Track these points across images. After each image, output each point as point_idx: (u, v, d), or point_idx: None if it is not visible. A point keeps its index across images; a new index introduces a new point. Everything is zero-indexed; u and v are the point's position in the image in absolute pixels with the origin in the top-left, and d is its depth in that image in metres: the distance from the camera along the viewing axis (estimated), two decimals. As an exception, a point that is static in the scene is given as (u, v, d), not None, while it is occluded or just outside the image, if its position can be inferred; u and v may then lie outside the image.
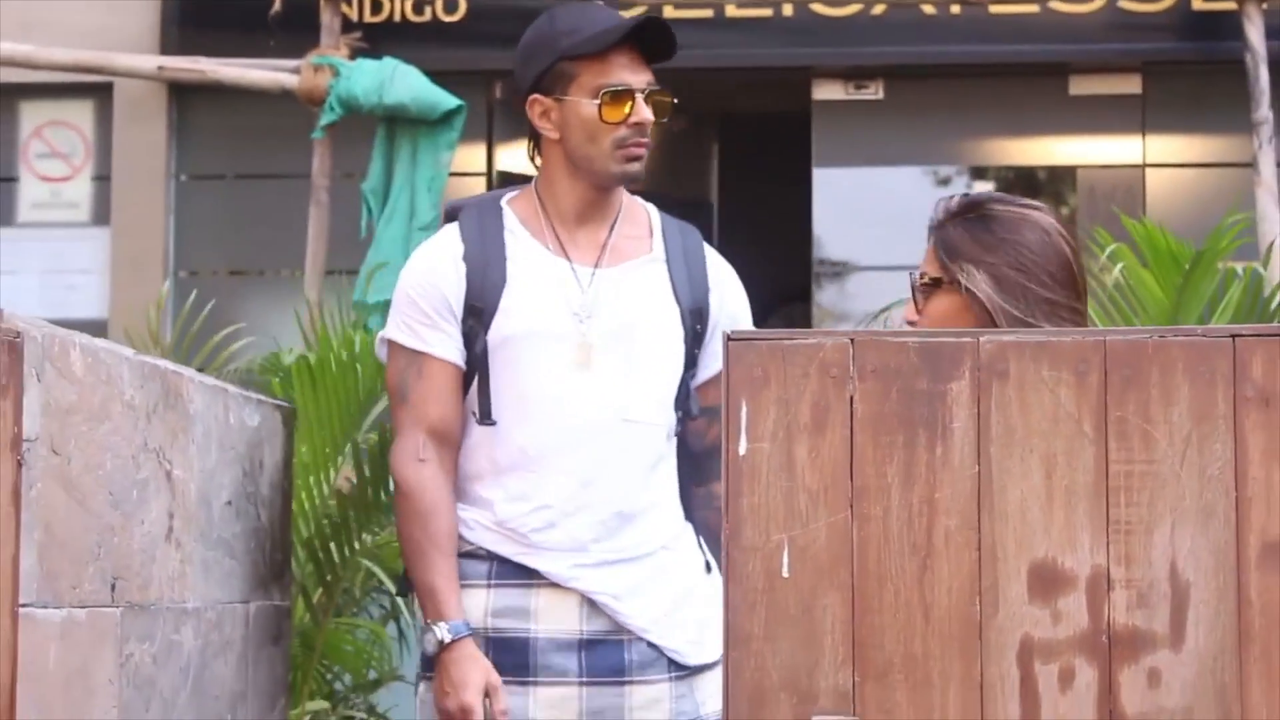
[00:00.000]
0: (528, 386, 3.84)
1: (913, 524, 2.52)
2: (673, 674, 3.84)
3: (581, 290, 3.88)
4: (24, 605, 2.85)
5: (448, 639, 3.79)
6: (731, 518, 2.53)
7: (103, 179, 9.64)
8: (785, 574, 2.52)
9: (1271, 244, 6.71)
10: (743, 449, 2.52)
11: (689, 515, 3.96)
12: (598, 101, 3.86)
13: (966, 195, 3.34)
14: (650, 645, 3.83)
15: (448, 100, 7.33)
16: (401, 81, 7.36)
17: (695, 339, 3.92)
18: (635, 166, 3.91)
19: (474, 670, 3.78)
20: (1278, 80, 7.70)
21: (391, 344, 3.93)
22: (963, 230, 3.21)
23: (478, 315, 3.86)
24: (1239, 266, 6.27)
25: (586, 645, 3.82)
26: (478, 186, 9.22)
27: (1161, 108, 9.34)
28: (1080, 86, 9.47)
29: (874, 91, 9.49)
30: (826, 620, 2.51)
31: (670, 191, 9.75)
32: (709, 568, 3.94)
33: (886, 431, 2.52)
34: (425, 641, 3.85)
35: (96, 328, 6.88)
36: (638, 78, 3.88)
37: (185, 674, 3.77)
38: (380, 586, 5.93)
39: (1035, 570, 2.51)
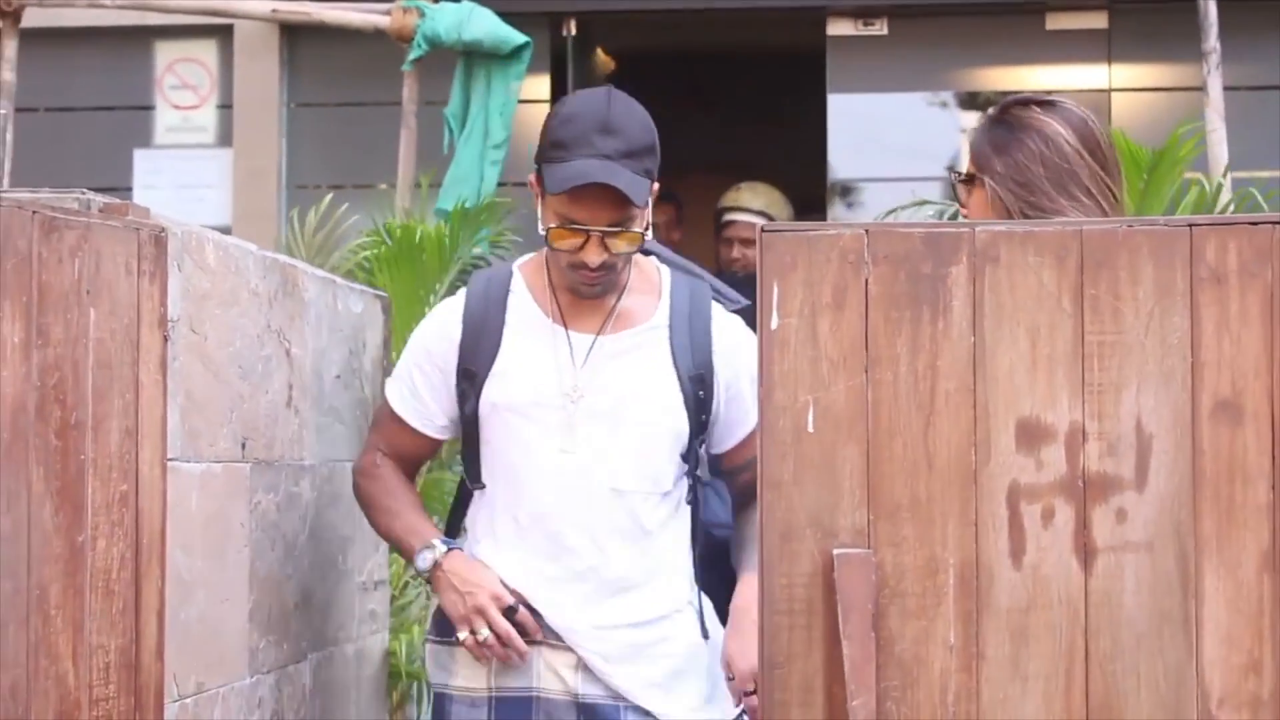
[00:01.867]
0: (515, 459, 3.33)
1: (918, 387, 2.52)
2: None
3: (575, 367, 3.31)
4: (171, 459, 2.88)
5: (443, 551, 3.36)
6: (765, 382, 2.53)
7: (225, 107, 9.61)
8: (810, 429, 2.52)
9: (1226, 167, 6.64)
10: (774, 323, 2.52)
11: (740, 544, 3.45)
12: (552, 225, 3.26)
13: (1007, 99, 3.19)
14: (647, 714, 3.32)
15: (516, 37, 7.29)
16: (477, 21, 7.31)
17: (699, 405, 3.34)
18: (589, 291, 3.31)
19: (482, 572, 3.33)
20: (1225, 14, 7.60)
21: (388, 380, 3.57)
22: (985, 134, 3.14)
23: (470, 379, 3.35)
24: (1200, 175, 6.24)
25: (584, 709, 3.31)
26: (542, 111, 9.19)
27: (1124, 40, 9.26)
28: (1055, 23, 9.38)
29: (880, 28, 9.40)
30: (845, 468, 2.52)
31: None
32: (706, 635, 3.41)
33: (896, 309, 2.52)
34: (420, 561, 3.38)
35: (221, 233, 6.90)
36: (599, 215, 3.21)
37: (304, 520, 3.81)
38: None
39: (1021, 425, 2.51)
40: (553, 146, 3.27)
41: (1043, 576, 2.49)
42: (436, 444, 3.53)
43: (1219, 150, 6.77)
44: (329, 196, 7.36)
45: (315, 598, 3.87)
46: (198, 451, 3.24)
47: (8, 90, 6.94)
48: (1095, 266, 2.51)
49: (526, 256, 3.50)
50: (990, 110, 3.20)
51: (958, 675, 2.49)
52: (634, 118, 3.30)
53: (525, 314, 3.37)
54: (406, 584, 5.40)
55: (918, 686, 2.49)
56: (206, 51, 9.66)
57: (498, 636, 3.29)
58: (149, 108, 9.73)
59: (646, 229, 3.28)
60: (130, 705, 2.69)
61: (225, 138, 9.62)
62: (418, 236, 6.10)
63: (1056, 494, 2.50)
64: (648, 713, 3.32)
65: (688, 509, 3.41)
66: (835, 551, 2.49)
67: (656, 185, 3.33)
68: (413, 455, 3.55)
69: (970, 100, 9.62)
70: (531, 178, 3.34)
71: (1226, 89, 7.08)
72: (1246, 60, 8.61)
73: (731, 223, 6.51)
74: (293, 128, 9.55)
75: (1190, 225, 2.52)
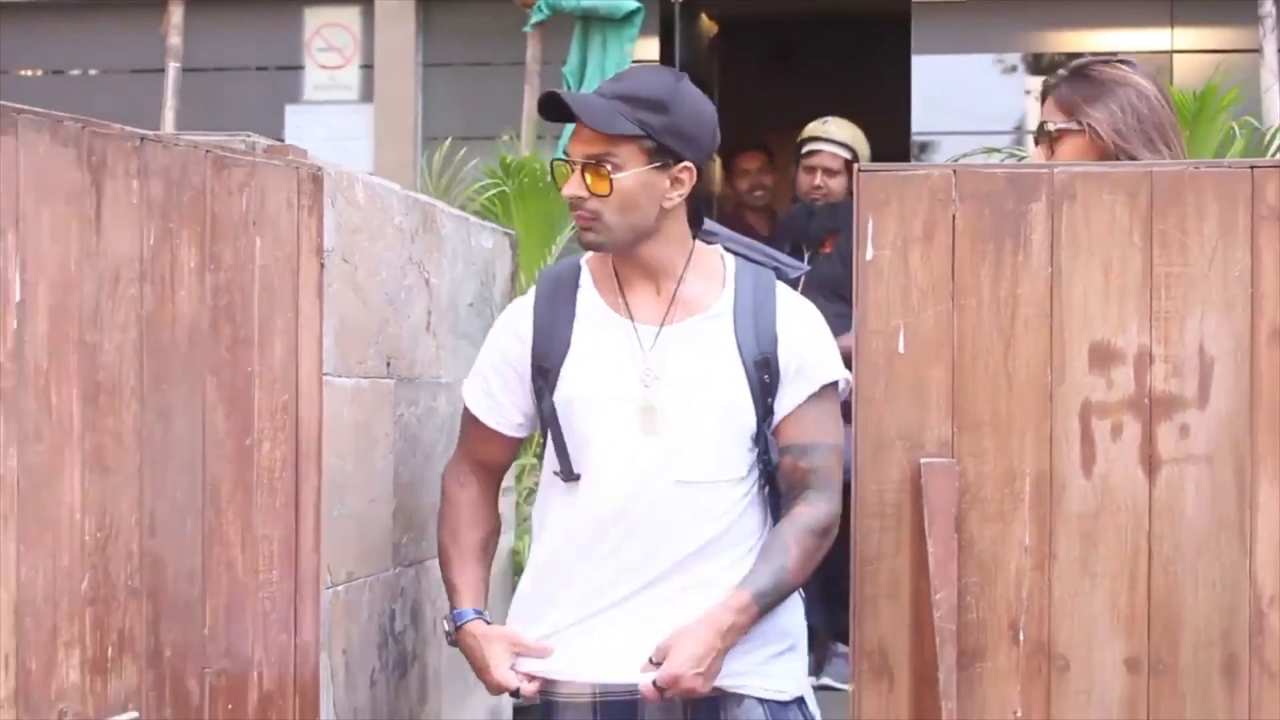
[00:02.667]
0: (592, 451, 2.99)
1: (1000, 313, 2.51)
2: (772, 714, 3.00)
3: (644, 352, 2.98)
4: (325, 374, 2.90)
5: (453, 629, 3.08)
6: (860, 307, 2.53)
7: (367, 67, 9.67)
8: (901, 350, 2.52)
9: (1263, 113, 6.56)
10: (869, 255, 2.52)
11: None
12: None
13: (1074, 61, 3.14)
14: (747, 697, 2.98)
15: (629, 3, 7.28)
16: (593, -12, 7.32)
17: (764, 389, 2.96)
18: (585, 237, 2.98)
19: (489, 647, 3.04)
20: (1280, -18, 7.49)
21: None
22: (1071, 87, 3.07)
23: (545, 375, 3.03)
24: (1248, 119, 6.15)
25: (691, 705, 2.96)
26: (652, 71, 9.19)
27: (1186, 5, 9.13)
28: (1123, -12, 9.27)
29: (961, -6, 9.33)
30: (932, 386, 2.52)
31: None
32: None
33: (980, 241, 2.51)
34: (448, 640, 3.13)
35: (365, 178, 6.95)
36: (579, 148, 2.93)
37: (441, 431, 3.83)
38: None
39: (1094, 348, 2.50)
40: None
41: (1111, 485, 2.48)
42: (515, 443, 3.19)
43: (1273, 108, 6.66)
44: (448, 141, 7.39)
45: (450, 502, 3.90)
46: (348, 368, 3.27)
47: (174, 52, 7.01)
48: (1164, 204, 2.49)
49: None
50: (1062, 70, 3.14)
51: (1032, 573, 2.49)
52: (653, 78, 2.99)
53: (592, 308, 3.04)
54: (530, 491, 5.44)
55: (995, 583, 2.50)
56: (350, 17, 9.72)
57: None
58: (299, 68, 9.81)
59: (633, 178, 2.91)
60: (291, 590, 2.73)
61: (367, 95, 9.68)
62: (548, 176, 6.11)
63: (1125, 411, 2.49)
64: (748, 696, 2.98)
65: (763, 495, 3.04)
66: (922, 461, 2.49)
67: (689, 165, 2.93)
68: (494, 460, 3.20)
69: (1038, 62, 9.53)
70: None
71: (1281, 50, 6.97)
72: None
73: (817, 151, 6.32)
74: (427, 85, 9.60)
75: (1252, 167, 2.49)
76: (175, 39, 7.00)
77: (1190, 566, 2.47)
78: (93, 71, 10.23)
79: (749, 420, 2.97)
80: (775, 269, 3.12)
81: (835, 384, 2.96)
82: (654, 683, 2.93)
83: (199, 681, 2.52)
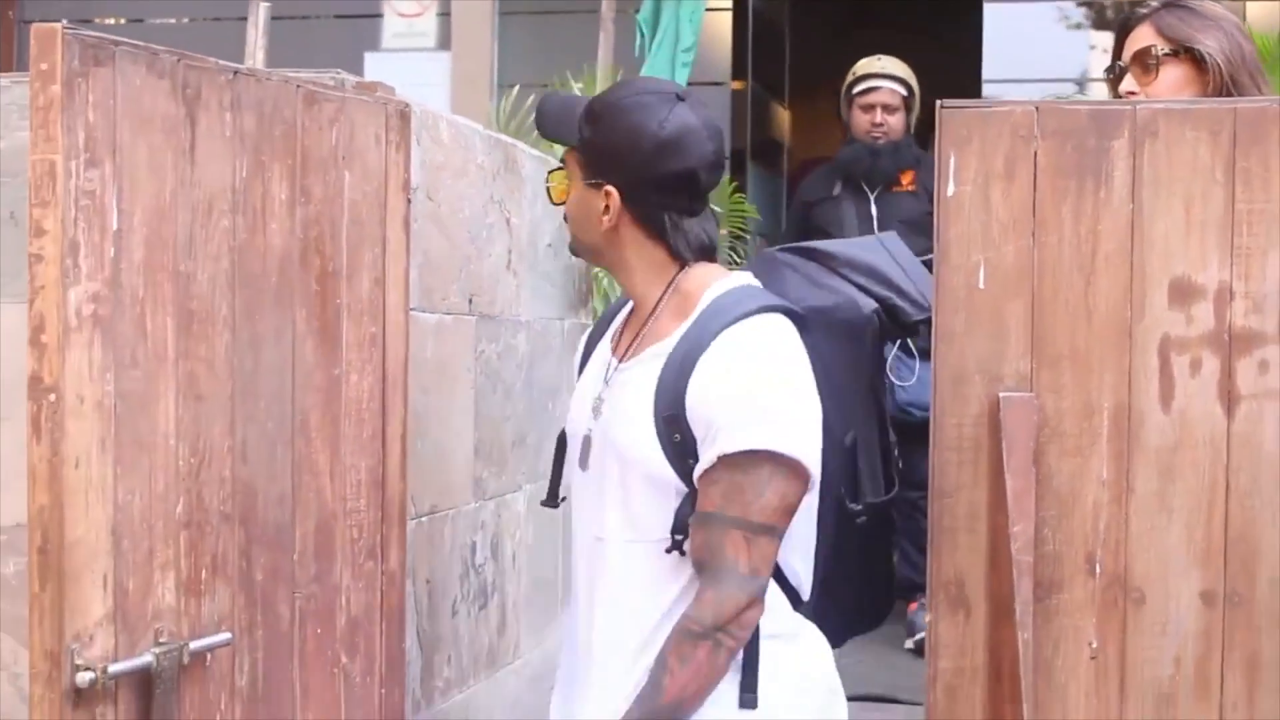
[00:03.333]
0: (569, 489, 2.66)
1: (1080, 249, 2.47)
2: None
3: (604, 387, 2.56)
4: (411, 309, 2.90)
5: None
6: (941, 243, 2.50)
7: (444, 15, 9.64)
8: (981, 286, 2.49)
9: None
10: (950, 190, 2.49)
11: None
12: None
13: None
14: None
15: (704, -48, 7.23)
16: (668, -64, 7.25)
17: (677, 448, 2.41)
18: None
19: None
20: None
21: None
22: (1179, 18, 2.99)
23: None
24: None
25: None
26: (724, 19, 9.13)
27: (1260, -49, 8.97)
28: (1194, -63, 9.09)
29: (1031, -59, 9.20)
30: (1011, 321, 2.49)
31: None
32: (751, 703, 2.44)
33: (1062, 178, 2.47)
34: None
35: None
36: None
37: (520, 368, 3.84)
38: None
39: (1174, 284, 2.46)
40: None
41: (1189, 420, 2.45)
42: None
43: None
44: (516, 88, 7.35)
45: (529, 437, 3.91)
46: (432, 304, 3.27)
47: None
48: (1247, 141, 2.44)
49: None
50: (1153, 2, 3.08)
51: (1109, 507, 2.46)
52: (617, 90, 2.54)
53: (606, 339, 2.68)
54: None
55: (1072, 516, 2.47)
56: (428, -35, 9.71)
57: None
58: (378, 16, 9.79)
59: (571, 190, 2.55)
60: (377, 518, 2.74)
61: (444, 42, 9.65)
62: None
63: (1204, 346, 2.45)
64: None
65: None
66: (1001, 394, 2.46)
67: (610, 191, 2.47)
68: None
69: (1109, 11, 9.39)
70: None
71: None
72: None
73: (875, 89, 6.12)
74: (503, 33, 9.56)
75: (1336, 104, 2.44)
76: (257, -14, 7.01)
77: (1268, 501, 2.44)
78: (173, 20, 10.27)
79: (666, 479, 2.44)
80: (889, 309, 2.65)
81: (764, 455, 2.35)
82: None
83: (289, 605, 2.54)
